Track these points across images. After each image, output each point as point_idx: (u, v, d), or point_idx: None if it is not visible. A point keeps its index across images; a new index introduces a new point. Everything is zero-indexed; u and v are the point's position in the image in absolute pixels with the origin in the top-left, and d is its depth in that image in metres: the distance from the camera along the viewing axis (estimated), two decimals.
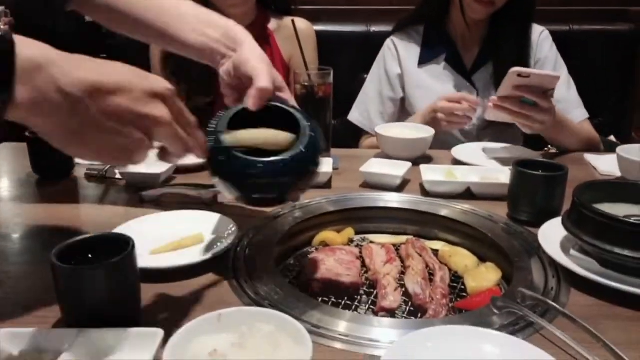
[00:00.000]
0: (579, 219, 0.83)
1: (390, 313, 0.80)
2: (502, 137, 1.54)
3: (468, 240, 1.01)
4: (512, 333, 0.67)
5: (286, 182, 0.74)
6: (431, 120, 1.44)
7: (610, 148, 1.51)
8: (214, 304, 0.75)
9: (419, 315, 0.80)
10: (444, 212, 1.05)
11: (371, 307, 0.83)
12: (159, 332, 0.60)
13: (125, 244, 0.68)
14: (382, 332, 0.68)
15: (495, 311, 0.69)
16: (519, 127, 1.53)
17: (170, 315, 0.72)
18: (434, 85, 1.57)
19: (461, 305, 0.82)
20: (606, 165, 1.29)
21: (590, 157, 1.37)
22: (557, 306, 0.67)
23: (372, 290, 0.87)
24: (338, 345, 0.66)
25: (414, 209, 1.08)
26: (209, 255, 0.84)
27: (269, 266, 0.85)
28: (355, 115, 1.70)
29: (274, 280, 0.80)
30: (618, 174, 1.24)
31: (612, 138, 1.89)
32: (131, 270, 0.68)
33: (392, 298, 0.81)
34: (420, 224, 1.07)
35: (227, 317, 0.59)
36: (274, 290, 0.77)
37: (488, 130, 1.60)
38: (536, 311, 0.71)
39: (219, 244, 0.89)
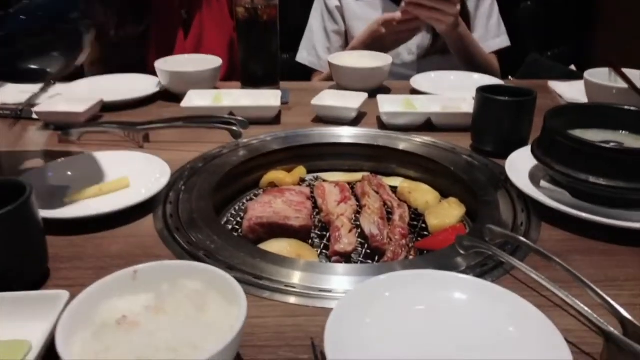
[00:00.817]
0: (550, 146, 0.75)
1: (345, 257, 0.71)
2: (443, 67, 1.48)
3: (429, 175, 0.92)
4: (480, 275, 0.59)
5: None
6: (374, 39, 1.38)
7: (570, 77, 1.44)
8: (139, 258, 0.64)
9: (377, 258, 0.72)
10: (402, 146, 0.96)
11: (324, 251, 0.74)
12: (63, 295, 0.50)
13: (21, 191, 0.56)
14: (336, 280, 0.59)
15: (461, 251, 0.61)
16: (458, 59, 1.47)
17: (85, 274, 0.60)
18: (373, 15, 1.50)
19: (422, 245, 0.75)
20: (572, 92, 1.22)
21: (555, 85, 1.29)
22: (529, 242, 0.60)
23: (324, 233, 0.78)
24: (285, 299, 0.57)
25: (371, 144, 0.98)
26: (134, 202, 0.72)
27: (206, 213, 0.74)
28: (303, 55, 1.63)
29: (211, 228, 0.70)
30: (584, 100, 1.17)
31: (572, 67, 1.84)
32: (29, 222, 0.56)
33: (346, 241, 0.72)
34: (378, 159, 0.98)
35: (144, 273, 0.49)
36: (210, 239, 0.67)
37: (428, 61, 1.54)
38: (505, 249, 0.63)
39: (147, 188, 0.77)
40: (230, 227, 0.81)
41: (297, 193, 0.83)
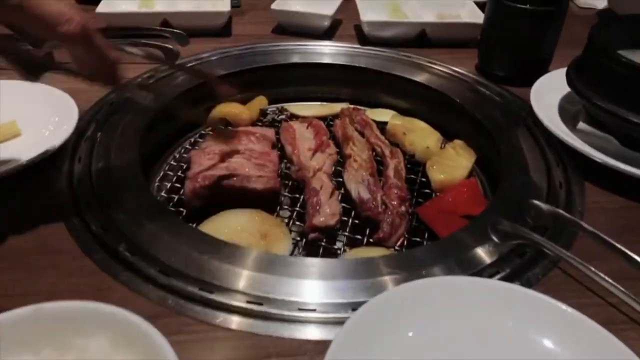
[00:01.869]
0: (595, 74, 0.57)
1: (326, 231, 0.53)
2: None
3: (425, 107, 0.73)
4: (521, 270, 0.43)
5: None
6: None
7: None
8: (30, 256, 0.43)
9: (368, 231, 0.54)
10: (391, 67, 0.75)
11: (297, 222, 0.56)
12: None
13: None
14: (321, 288, 0.41)
15: (496, 240, 0.43)
16: None
17: None
18: None
19: (426, 213, 0.56)
20: None
21: None
22: (594, 230, 0.43)
23: (296, 195, 0.59)
24: (248, 326, 0.38)
25: (349, 64, 0.77)
26: (25, 159, 0.50)
27: (131, 174, 0.53)
28: None
29: (137, 201, 0.49)
30: (600, 5, 0.97)
31: None
32: None
33: (327, 210, 0.54)
34: (359, 85, 0.77)
35: (12, 330, 0.29)
36: (135, 220, 0.47)
37: None
38: (547, 229, 0.46)
39: (45, 138, 0.54)
40: (168, 185, 0.60)
41: (258, 139, 0.62)
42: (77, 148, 0.56)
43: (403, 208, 0.55)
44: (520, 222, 0.45)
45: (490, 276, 0.42)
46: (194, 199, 0.55)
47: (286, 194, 0.59)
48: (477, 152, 0.64)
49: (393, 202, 0.55)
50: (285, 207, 0.58)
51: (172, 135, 0.68)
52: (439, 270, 0.42)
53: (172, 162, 0.65)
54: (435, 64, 0.76)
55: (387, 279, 0.42)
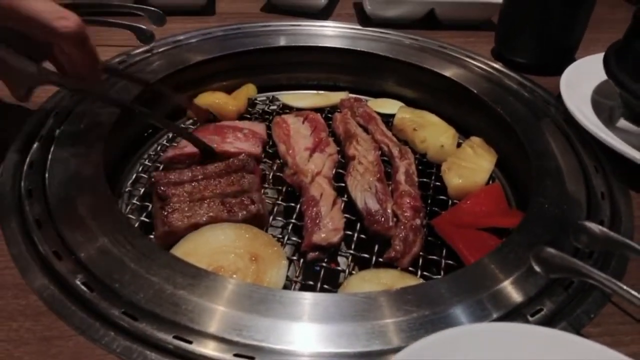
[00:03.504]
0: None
1: (328, 250, 0.45)
2: None
3: (436, 99, 0.64)
4: (570, 306, 0.35)
5: None
6: None
7: None
8: None
9: (376, 248, 0.46)
10: (396, 52, 0.66)
11: (293, 239, 0.47)
12: None
13: None
14: (299, 333, 0.33)
15: (541, 272, 0.35)
16: None
17: None
18: None
19: (444, 227, 0.48)
20: None
21: None
22: None
23: (291, 204, 0.50)
24: None
25: (349, 48, 0.68)
26: None
27: (93, 179, 0.44)
28: None
29: (101, 219, 0.40)
30: None
31: None
32: None
33: (329, 224, 0.45)
34: (360, 72, 0.68)
35: None
36: (96, 244, 0.38)
37: None
38: (593, 252, 0.39)
39: None
40: (141, 190, 0.51)
41: (248, 137, 0.53)
42: (28, 149, 0.47)
43: (417, 221, 0.47)
44: (565, 247, 0.38)
45: (532, 315, 0.35)
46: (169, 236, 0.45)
47: (280, 202, 0.50)
48: (498, 152, 0.56)
49: (405, 214, 0.47)
50: (279, 218, 0.49)
51: (146, 129, 0.58)
52: (467, 307, 0.35)
53: (146, 162, 0.56)
54: (446, 48, 0.67)
55: (408, 319, 0.34)
